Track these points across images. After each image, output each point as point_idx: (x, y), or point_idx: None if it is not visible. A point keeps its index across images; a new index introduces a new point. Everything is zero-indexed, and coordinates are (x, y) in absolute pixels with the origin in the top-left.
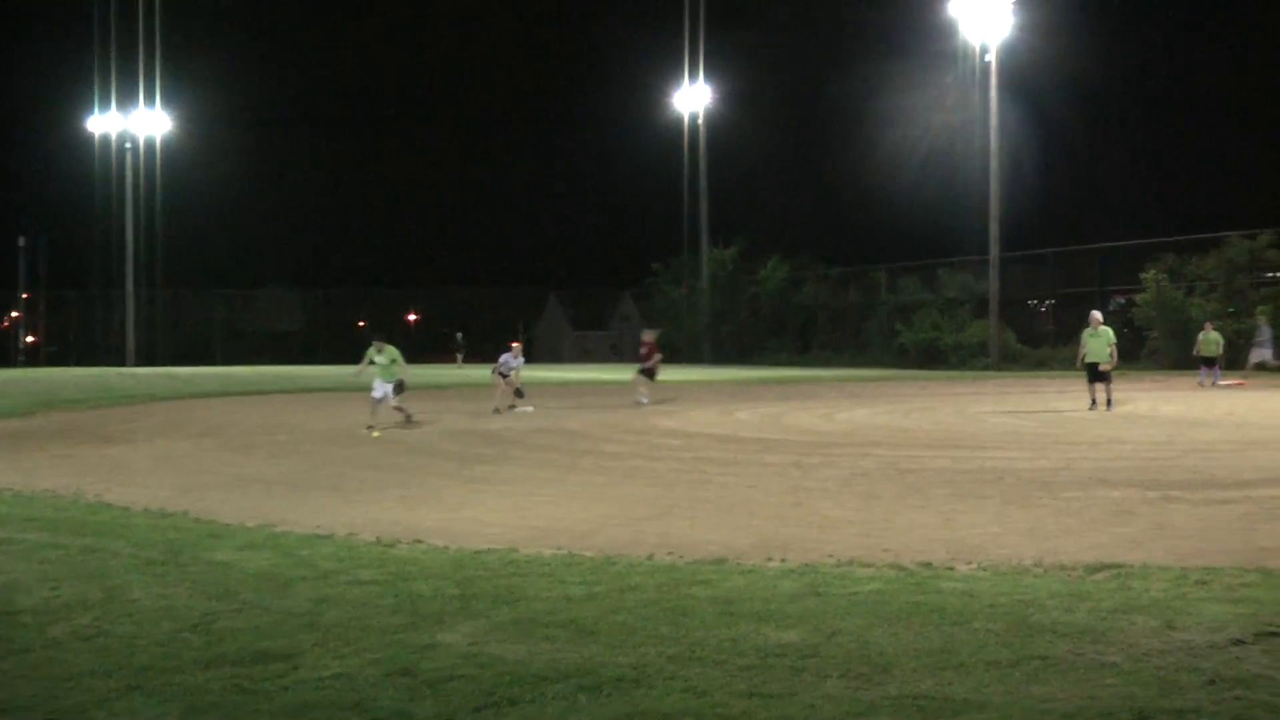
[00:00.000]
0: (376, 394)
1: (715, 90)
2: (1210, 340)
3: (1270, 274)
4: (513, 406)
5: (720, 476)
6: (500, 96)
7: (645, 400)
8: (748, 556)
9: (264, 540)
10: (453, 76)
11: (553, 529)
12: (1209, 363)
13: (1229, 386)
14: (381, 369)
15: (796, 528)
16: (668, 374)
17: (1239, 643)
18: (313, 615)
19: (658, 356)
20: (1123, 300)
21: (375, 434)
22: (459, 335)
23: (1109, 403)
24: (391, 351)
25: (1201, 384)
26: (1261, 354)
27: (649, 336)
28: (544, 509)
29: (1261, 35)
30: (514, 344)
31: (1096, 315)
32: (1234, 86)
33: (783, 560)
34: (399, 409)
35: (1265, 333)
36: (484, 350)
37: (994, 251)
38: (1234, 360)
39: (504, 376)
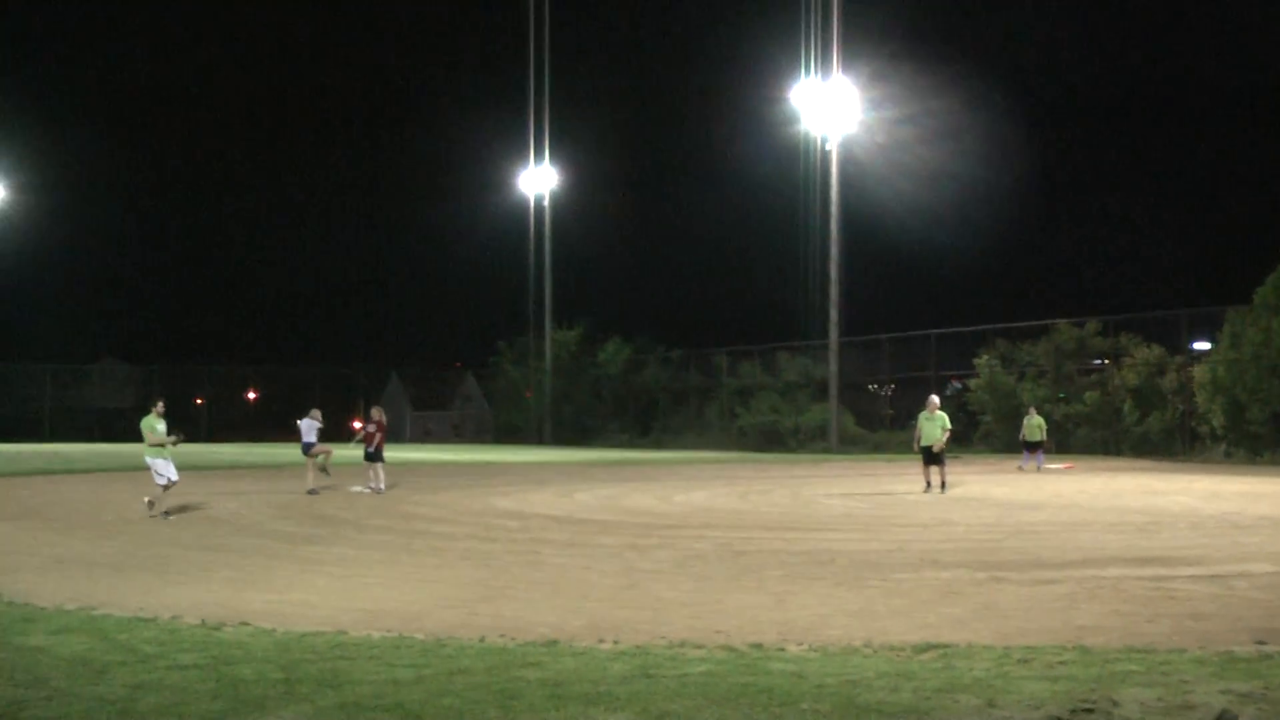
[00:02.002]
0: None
1: (560, 173)
2: (1034, 425)
3: (1096, 360)
4: (314, 491)
5: (555, 558)
6: (344, 173)
7: (380, 486)
8: (580, 638)
9: (81, 624)
10: (296, 154)
11: (383, 611)
12: (1032, 447)
13: (1058, 470)
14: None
15: (630, 609)
16: (510, 454)
17: (1055, 719)
18: (128, 702)
19: (381, 437)
20: (959, 385)
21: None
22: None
23: (943, 485)
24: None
25: (1022, 468)
26: None
27: (379, 415)
28: (375, 591)
29: (1082, 133)
30: (314, 410)
31: (934, 400)
32: (1064, 184)
33: (615, 642)
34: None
35: None
36: (336, 431)
37: (833, 336)
38: (1061, 444)
39: (308, 451)
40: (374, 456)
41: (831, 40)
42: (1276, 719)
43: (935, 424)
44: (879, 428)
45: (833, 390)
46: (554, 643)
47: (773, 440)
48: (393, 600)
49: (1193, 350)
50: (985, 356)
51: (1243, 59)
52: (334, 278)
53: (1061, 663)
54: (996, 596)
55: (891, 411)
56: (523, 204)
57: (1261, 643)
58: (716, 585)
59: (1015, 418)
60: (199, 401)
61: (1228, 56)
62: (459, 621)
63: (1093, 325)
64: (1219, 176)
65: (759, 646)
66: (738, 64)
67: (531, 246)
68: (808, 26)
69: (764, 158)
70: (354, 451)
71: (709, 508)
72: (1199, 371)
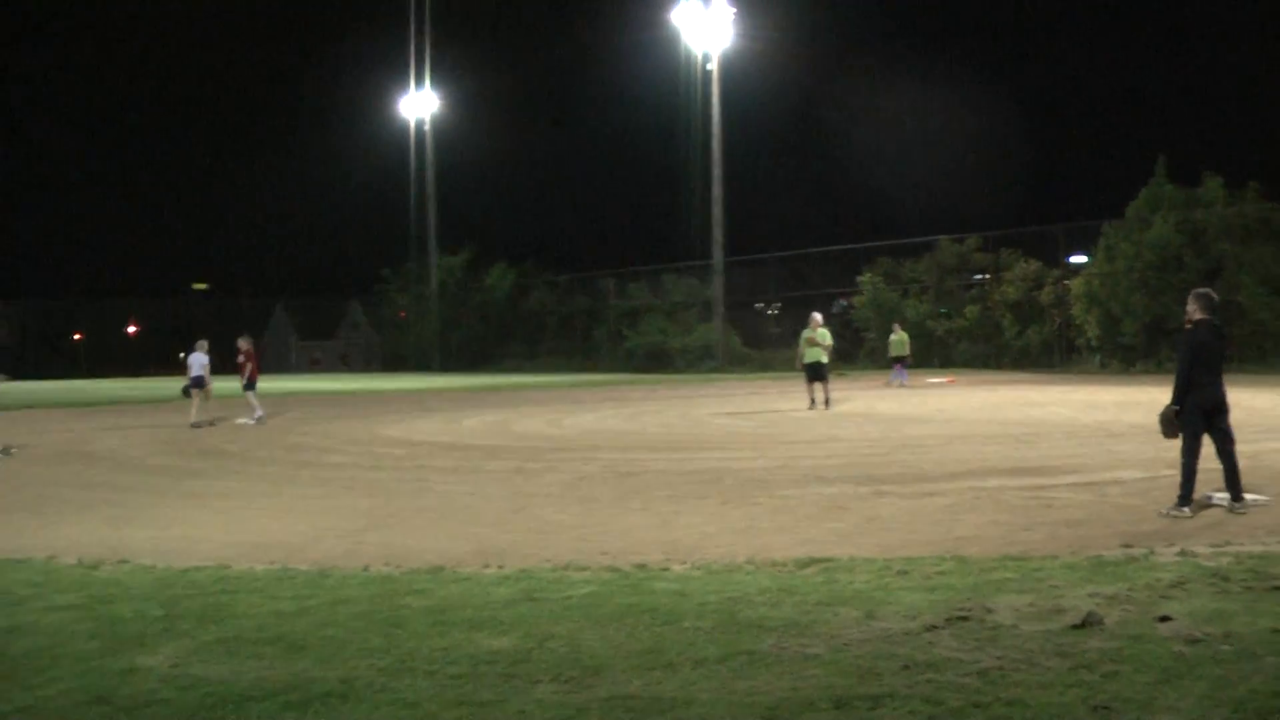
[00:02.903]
0: None
1: (442, 97)
2: (898, 341)
3: (977, 275)
4: (198, 425)
5: (443, 485)
6: (222, 100)
7: (260, 415)
8: (465, 564)
9: None
10: (172, 81)
11: (268, 543)
12: (899, 362)
13: (940, 384)
14: None
15: (516, 534)
16: (398, 382)
17: (932, 628)
18: (1, 646)
19: (251, 366)
20: (844, 303)
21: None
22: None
23: (828, 402)
24: None
25: (890, 384)
26: None
27: (246, 345)
28: (260, 523)
29: (959, 50)
30: (201, 342)
31: (816, 317)
32: (942, 102)
33: (500, 567)
34: None
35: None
36: (220, 365)
37: (718, 256)
38: (944, 359)
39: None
40: (248, 386)
41: None
42: (1140, 618)
43: (818, 340)
44: (765, 346)
45: (718, 310)
46: (439, 569)
47: (661, 361)
48: (278, 532)
49: (1069, 264)
50: (869, 274)
51: None
52: (215, 207)
53: (940, 573)
54: (879, 510)
55: (778, 330)
56: (405, 128)
57: (1128, 546)
58: (603, 507)
59: None
60: (77, 337)
61: None
62: (344, 551)
63: (973, 241)
64: (1093, 93)
65: (643, 567)
66: None
67: (413, 171)
68: None
69: (647, 78)
70: (234, 384)
71: (597, 430)
72: (1075, 285)
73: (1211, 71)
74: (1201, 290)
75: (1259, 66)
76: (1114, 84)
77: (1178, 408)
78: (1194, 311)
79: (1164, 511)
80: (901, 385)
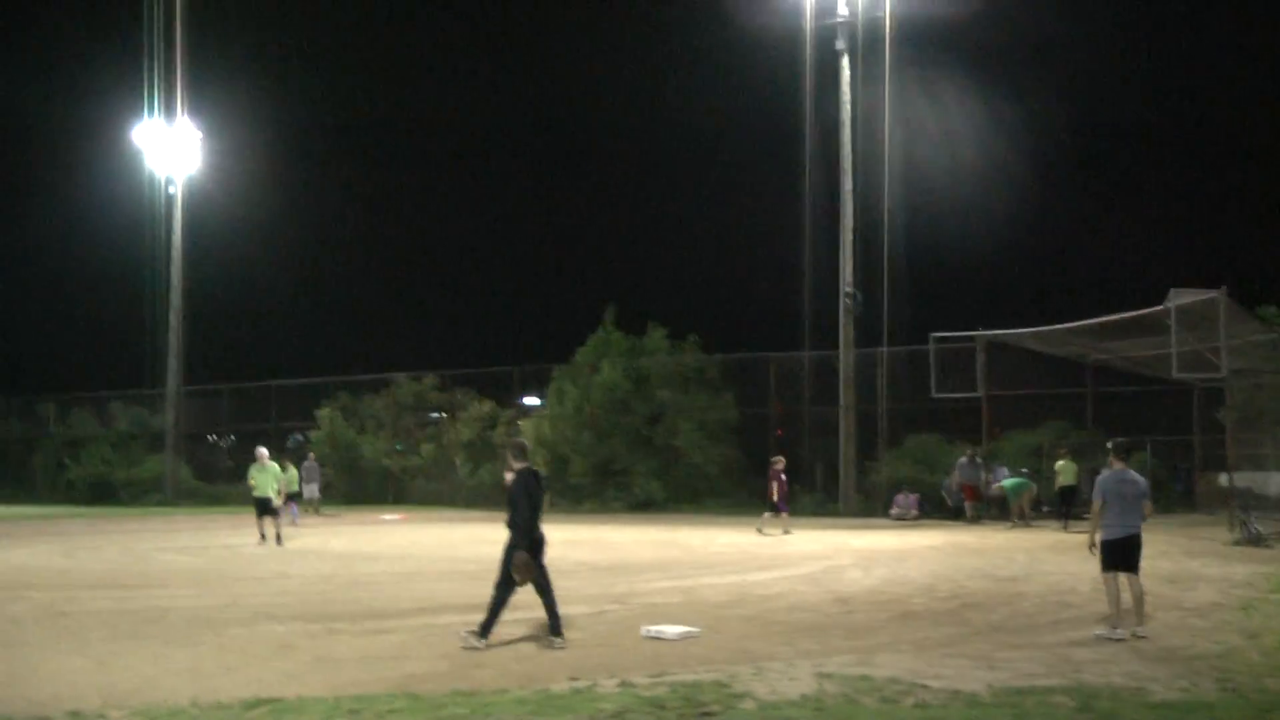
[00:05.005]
0: None
1: None
2: (291, 478)
3: (434, 413)
4: None
5: None
6: None
7: None
8: None
9: None
10: None
11: None
12: (291, 499)
13: (394, 520)
14: None
15: None
16: None
17: None
18: None
19: None
20: (300, 437)
21: None
22: None
23: (279, 537)
24: None
25: (292, 521)
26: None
27: None
28: None
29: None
30: None
31: (262, 451)
32: (406, 237)
33: None
34: None
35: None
36: None
37: (172, 385)
38: (399, 496)
39: None
40: None
41: (175, 81)
42: None
43: (267, 474)
44: (218, 479)
45: (169, 441)
46: None
47: (105, 493)
48: None
49: (523, 405)
50: (327, 409)
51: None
52: None
53: (391, 711)
54: (330, 648)
55: (231, 463)
56: None
57: (574, 679)
58: (32, 651)
59: (354, 471)
60: None
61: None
62: None
63: (430, 380)
64: (545, 239)
65: (77, 714)
66: (85, 98)
67: None
68: (150, 65)
69: (109, 196)
70: None
71: (29, 567)
72: (525, 426)
73: (657, 226)
74: (516, 441)
75: (702, 222)
76: (566, 232)
77: (524, 552)
78: (513, 462)
79: (465, 644)
80: (294, 523)
